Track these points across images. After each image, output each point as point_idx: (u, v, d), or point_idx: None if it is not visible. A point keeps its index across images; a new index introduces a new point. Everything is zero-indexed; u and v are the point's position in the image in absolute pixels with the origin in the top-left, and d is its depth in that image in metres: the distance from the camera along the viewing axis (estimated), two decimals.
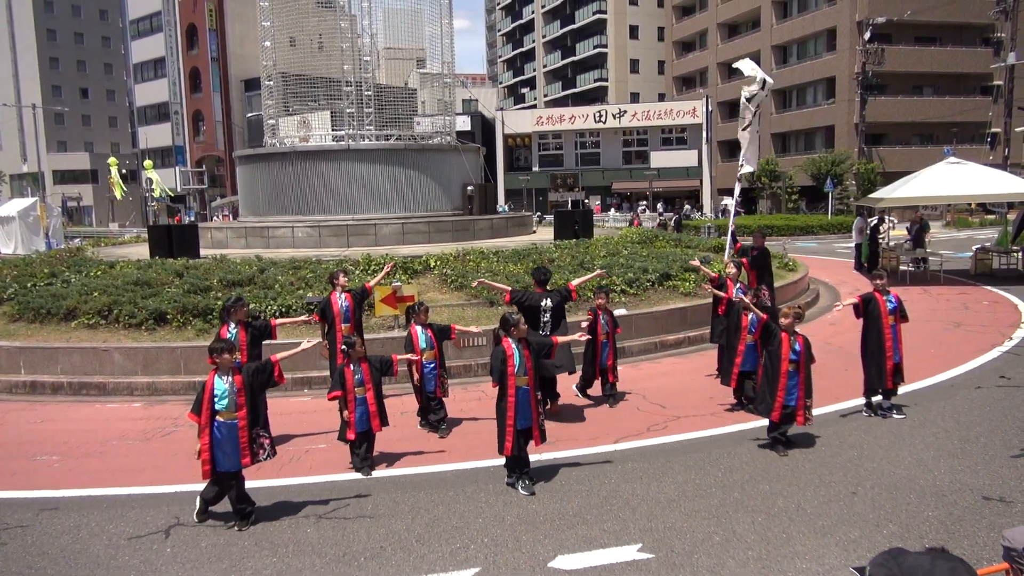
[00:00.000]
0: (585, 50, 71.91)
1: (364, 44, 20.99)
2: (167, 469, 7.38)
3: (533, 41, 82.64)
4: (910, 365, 9.14)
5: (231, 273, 12.92)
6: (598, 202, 53.44)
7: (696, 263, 11.70)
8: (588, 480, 6.83)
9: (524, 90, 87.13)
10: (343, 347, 7.11)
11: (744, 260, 11.95)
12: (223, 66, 61.86)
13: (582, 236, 17.40)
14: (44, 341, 11.13)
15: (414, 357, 7.82)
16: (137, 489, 6.90)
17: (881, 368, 8.32)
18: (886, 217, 22.58)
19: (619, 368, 9.54)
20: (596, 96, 69.30)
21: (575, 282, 9.28)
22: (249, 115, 58.93)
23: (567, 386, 9.49)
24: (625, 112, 54.78)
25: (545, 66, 79.79)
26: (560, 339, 7.49)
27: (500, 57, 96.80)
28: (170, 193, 48.63)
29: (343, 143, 19.99)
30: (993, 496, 6.18)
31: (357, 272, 12.83)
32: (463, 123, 50.98)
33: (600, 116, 55.06)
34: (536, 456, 7.15)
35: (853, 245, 22.12)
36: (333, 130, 20.98)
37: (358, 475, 7.08)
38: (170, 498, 6.65)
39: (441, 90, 22.63)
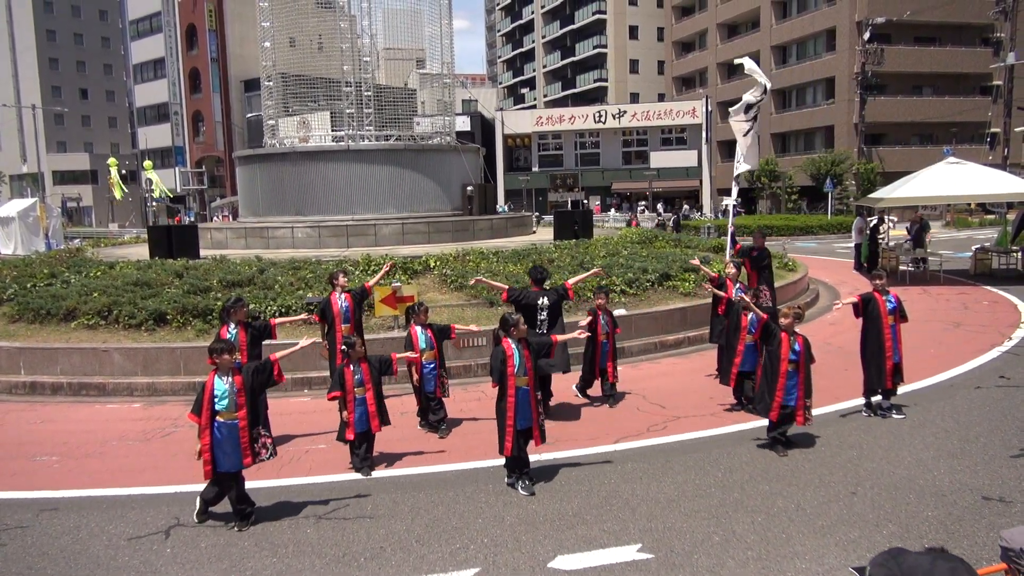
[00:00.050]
0: (585, 50, 71.91)
1: (364, 44, 20.99)
2: (167, 470, 7.39)
3: (533, 41, 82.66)
4: (910, 365, 9.15)
5: (231, 274, 12.93)
6: (598, 202, 53.47)
7: (696, 262, 11.71)
8: (588, 480, 6.83)
9: (524, 90, 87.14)
10: (343, 347, 7.11)
11: (745, 261, 11.97)
12: (223, 67, 61.83)
13: (582, 236, 17.40)
14: (44, 342, 11.13)
15: (413, 356, 7.82)
16: (137, 490, 6.91)
17: (881, 368, 8.32)
18: (886, 217, 22.60)
19: (619, 368, 9.55)
20: (596, 96, 69.27)
21: (571, 281, 9.29)
22: (249, 115, 58.97)
23: (567, 386, 9.50)
24: (625, 112, 54.77)
25: (545, 66, 79.79)
26: (559, 337, 7.50)
27: (500, 57, 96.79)
28: (169, 194, 48.60)
29: (343, 143, 19.99)
30: (992, 496, 6.19)
31: (357, 272, 12.84)
32: (463, 123, 50.91)
33: (600, 116, 55.04)
34: (536, 456, 7.15)
35: (853, 245, 22.11)
36: (333, 130, 20.98)
37: (358, 475, 7.08)
38: (170, 499, 6.66)
39: (441, 90, 22.64)
